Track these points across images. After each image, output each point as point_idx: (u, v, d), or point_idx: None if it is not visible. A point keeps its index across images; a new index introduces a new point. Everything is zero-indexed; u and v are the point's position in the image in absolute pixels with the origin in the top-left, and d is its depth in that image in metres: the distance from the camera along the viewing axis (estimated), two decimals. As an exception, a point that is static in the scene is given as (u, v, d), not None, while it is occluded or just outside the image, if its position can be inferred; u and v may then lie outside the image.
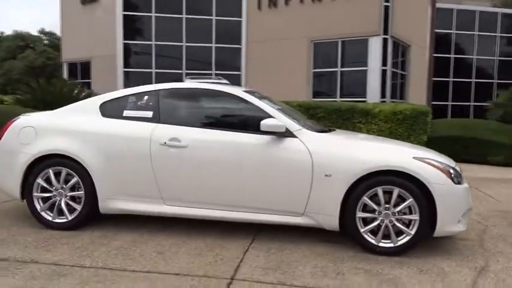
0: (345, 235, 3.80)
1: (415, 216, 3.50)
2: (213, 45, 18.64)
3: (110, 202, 3.89)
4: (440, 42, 21.14)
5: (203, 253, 3.45)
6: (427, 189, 3.47)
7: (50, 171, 3.92)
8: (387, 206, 3.53)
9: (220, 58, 18.67)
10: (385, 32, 15.60)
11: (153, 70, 18.43)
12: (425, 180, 3.45)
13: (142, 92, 4.08)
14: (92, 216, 4.01)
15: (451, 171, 3.59)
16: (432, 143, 9.54)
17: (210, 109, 4.11)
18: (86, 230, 3.94)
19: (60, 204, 3.94)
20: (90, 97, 10.70)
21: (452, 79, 22.00)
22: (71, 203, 3.94)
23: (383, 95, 15.84)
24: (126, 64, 18.33)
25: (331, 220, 3.61)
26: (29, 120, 4.13)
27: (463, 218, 3.60)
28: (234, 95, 3.95)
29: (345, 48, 16.47)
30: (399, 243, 3.54)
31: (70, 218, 3.93)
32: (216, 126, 3.85)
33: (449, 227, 3.53)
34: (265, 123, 3.61)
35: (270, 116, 3.76)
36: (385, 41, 15.64)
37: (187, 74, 17.02)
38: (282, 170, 3.65)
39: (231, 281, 2.92)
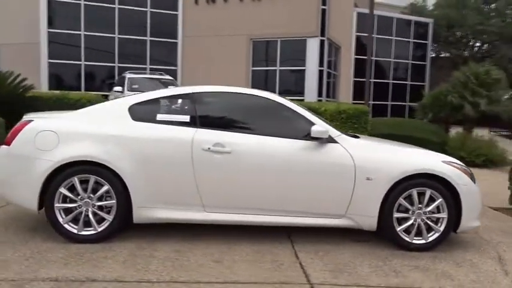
0: (377, 234, 4.02)
1: (444, 215, 3.84)
2: (148, 38, 17.97)
3: (146, 211, 3.67)
4: (362, 45, 22.66)
5: (258, 259, 3.43)
6: (454, 189, 3.83)
7: (76, 179, 3.59)
8: (420, 206, 3.83)
9: (155, 52, 18.08)
10: (322, 33, 16.34)
11: (82, 62, 17.24)
12: (453, 182, 3.80)
13: (175, 95, 3.91)
14: (122, 227, 3.76)
15: (470, 172, 3.99)
16: (372, 141, 10.18)
17: (248, 113, 4.04)
18: (109, 242, 3.66)
19: (87, 215, 3.64)
20: (30, 90, 9.80)
21: (373, 80, 23.71)
22: (99, 213, 3.65)
23: (320, 94, 16.61)
24: (52, 55, 16.90)
25: (371, 221, 3.80)
26: (48, 124, 3.72)
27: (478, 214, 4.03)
28: (272, 100, 3.96)
29: (284, 48, 16.95)
30: (430, 239, 3.86)
31: (99, 229, 3.64)
32: (255, 131, 3.82)
33: (471, 223, 3.93)
34: (315, 130, 3.70)
35: (310, 122, 3.84)
36: (322, 42, 16.38)
37: (121, 69, 16.21)
38: (325, 175, 3.75)
39: (312, 286, 2.97)
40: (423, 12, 26.55)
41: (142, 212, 3.67)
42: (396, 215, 3.81)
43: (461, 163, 4.05)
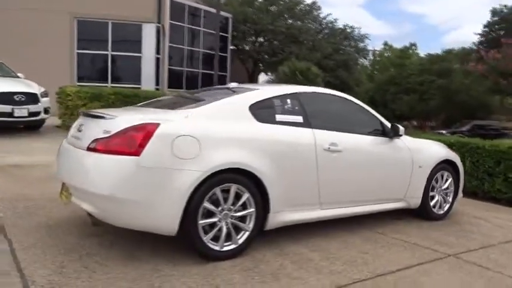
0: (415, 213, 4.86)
1: (452, 188, 5.04)
2: None
3: (278, 216, 3.53)
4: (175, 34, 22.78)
5: (393, 247, 3.81)
6: (458, 169, 5.06)
7: (218, 190, 3.17)
8: (444, 186, 4.93)
9: None
10: (158, 20, 15.95)
11: None
12: (458, 164, 5.06)
13: (285, 95, 3.81)
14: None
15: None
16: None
17: (341, 114, 4.25)
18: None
19: (228, 228, 3.25)
20: None
21: (186, 69, 24.21)
22: (240, 224, 3.31)
23: (157, 83, 16.23)
24: None
25: (417, 201, 4.67)
26: (184, 128, 3.09)
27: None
28: (354, 102, 4.35)
29: (117, 31, 15.72)
30: (445, 209, 5.00)
31: (240, 242, 3.31)
32: (349, 130, 4.12)
33: (459, 194, 5.29)
34: (401, 129, 4.29)
35: (380, 120, 4.41)
36: (158, 29, 15.99)
37: None
38: (395, 166, 4.43)
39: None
40: (221, 7, 28.47)
41: (275, 218, 3.52)
42: (431, 194, 4.81)
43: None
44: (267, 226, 3.50)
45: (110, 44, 15.67)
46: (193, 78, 24.48)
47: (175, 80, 22.30)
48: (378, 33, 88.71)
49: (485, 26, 23.75)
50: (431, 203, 4.82)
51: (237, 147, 3.28)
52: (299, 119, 3.78)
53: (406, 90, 30.43)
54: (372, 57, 36.47)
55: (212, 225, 3.19)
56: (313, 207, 3.80)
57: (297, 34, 27.98)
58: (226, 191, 3.22)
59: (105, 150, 3.01)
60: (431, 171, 4.71)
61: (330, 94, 4.25)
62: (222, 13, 26.33)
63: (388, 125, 4.43)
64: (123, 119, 3.16)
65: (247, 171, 3.27)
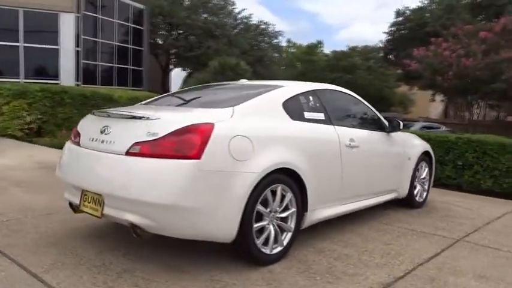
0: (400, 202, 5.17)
1: (427, 177, 5.44)
2: None
3: (312, 214, 3.50)
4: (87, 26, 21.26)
5: (407, 236, 4.02)
6: (431, 158, 5.50)
7: (269, 191, 3.05)
8: (423, 175, 5.31)
9: None
10: (78, 9, 14.73)
11: None
12: (432, 154, 5.49)
13: (307, 91, 3.79)
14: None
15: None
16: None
17: (351, 110, 4.33)
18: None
19: (275, 230, 3.15)
20: None
21: (100, 63, 22.68)
22: (284, 225, 3.23)
23: (77, 78, 14.98)
24: None
25: (405, 191, 4.96)
26: (239, 128, 2.90)
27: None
28: (358, 100, 4.48)
29: (30, 21, 14.15)
30: (423, 196, 5.39)
31: (285, 243, 3.23)
32: (359, 126, 4.26)
33: (431, 182, 5.75)
34: (401, 124, 4.51)
35: (378, 115, 4.60)
36: (78, 19, 14.77)
37: None
38: (394, 158, 4.67)
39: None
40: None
41: (310, 216, 3.50)
42: (415, 183, 5.16)
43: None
44: (303, 225, 3.47)
45: (21, 34, 14.04)
46: (108, 73, 23.08)
47: (90, 75, 20.82)
48: (276, 30, 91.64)
49: (391, 26, 26.00)
50: (415, 192, 5.17)
51: (282, 146, 3.19)
52: (321, 116, 3.80)
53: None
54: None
55: (261, 229, 3.07)
56: (336, 203, 3.85)
57: (213, 29, 27.78)
58: (273, 193, 3.12)
59: (154, 154, 2.73)
60: (416, 162, 5.05)
61: (339, 91, 4.33)
62: (137, 5, 25.21)
63: (385, 120, 4.65)
64: (170, 119, 2.89)
65: (292, 170, 3.20)
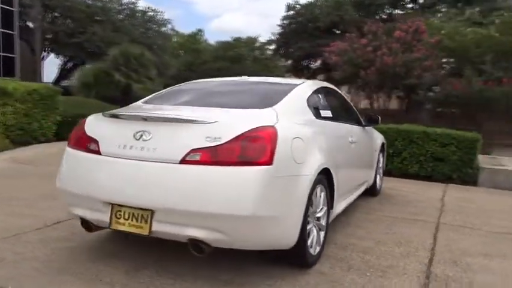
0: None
1: (381, 166, 5.92)
2: None
3: (334, 211, 3.55)
4: None
5: (398, 223, 4.30)
6: (384, 150, 5.98)
7: (314, 192, 3.00)
8: (380, 165, 5.73)
9: None
10: None
11: None
12: (385, 146, 5.96)
13: (317, 89, 3.80)
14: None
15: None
16: (67, 123, 9.14)
17: (338, 106, 4.39)
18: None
19: (317, 231, 3.13)
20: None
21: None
22: (321, 224, 3.21)
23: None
24: None
25: (371, 180, 5.29)
26: (294, 130, 2.77)
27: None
28: (342, 95, 4.59)
29: None
30: (379, 184, 5.85)
31: (321, 242, 3.22)
32: (346, 121, 4.37)
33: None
34: (379, 118, 4.79)
35: (356, 112, 4.83)
36: None
37: None
38: (368, 150, 4.96)
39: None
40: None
41: (333, 213, 3.55)
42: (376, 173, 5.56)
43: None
44: (329, 222, 3.51)
45: None
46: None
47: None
48: (165, 18, 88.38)
49: (282, 19, 26.95)
50: (377, 181, 5.58)
51: (319, 145, 3.16)
52: (330, 113, 3.85)
53: (205, 77, 31.69)
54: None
55: (309, 230, 3.03)
56: (344, 197, 3.96)
57: (99, 13, 25.61)
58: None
59: (218, 162, 2.48)
60: (378, 153, 5.45)
61: (332, 88, 4.41)
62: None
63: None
64: (229, 121, 2.65)
65: (327, 169, 3.20)
